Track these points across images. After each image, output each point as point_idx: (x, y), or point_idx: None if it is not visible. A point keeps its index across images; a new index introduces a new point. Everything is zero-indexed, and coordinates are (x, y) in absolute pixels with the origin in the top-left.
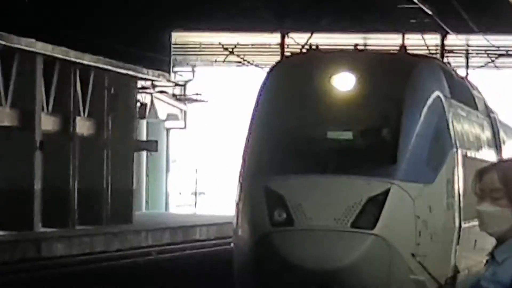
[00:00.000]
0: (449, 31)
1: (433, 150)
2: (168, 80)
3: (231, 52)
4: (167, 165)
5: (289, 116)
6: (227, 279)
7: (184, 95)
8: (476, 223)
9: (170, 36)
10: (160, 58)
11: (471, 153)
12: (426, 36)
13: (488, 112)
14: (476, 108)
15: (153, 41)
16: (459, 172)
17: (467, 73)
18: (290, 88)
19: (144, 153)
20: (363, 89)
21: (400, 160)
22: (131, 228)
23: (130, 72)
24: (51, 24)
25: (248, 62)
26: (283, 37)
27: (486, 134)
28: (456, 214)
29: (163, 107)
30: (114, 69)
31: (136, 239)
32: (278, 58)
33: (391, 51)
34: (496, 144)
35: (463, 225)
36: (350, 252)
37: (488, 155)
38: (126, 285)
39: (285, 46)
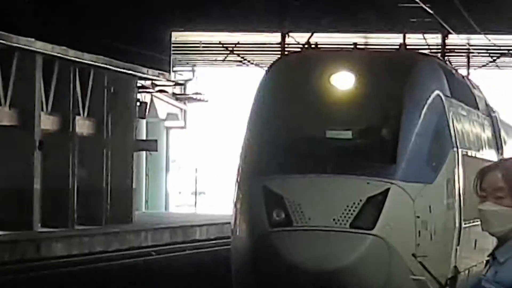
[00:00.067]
0: (450, 30)
1: (433, 149)
2: (168, 80)
3: (231, 52)
4: (167, 165)
5: (287, 116)
6: (227, 279)
7: (184, 94)
8: (476, 223)
9: (170, 35)
10: (160, 57)
11: (471, 153)
12: (427, 35)
13: (489, 111)
14: (477, 107)
15: (153, 40)
16: (460, 172)
17: (468, 73)
18: (289, 87)
19: (144, 152)
20: (363, 88)
21: (400, 159)
22: (131, 228)
23: (130, 71)
24: (50, 23)
25: (248, 61)
26: (283, 37)
27: (487, 133)
28: (457, 214)
29: (163, 107)
30: (113, 68)
31: (135, 239)
32: (278, 57)
33: (391, 50)
34: (497, 143)
35: (464, 225)
36: (349, 252)
37: (489, 154)
38: (126, 285)
39: (286, 46)
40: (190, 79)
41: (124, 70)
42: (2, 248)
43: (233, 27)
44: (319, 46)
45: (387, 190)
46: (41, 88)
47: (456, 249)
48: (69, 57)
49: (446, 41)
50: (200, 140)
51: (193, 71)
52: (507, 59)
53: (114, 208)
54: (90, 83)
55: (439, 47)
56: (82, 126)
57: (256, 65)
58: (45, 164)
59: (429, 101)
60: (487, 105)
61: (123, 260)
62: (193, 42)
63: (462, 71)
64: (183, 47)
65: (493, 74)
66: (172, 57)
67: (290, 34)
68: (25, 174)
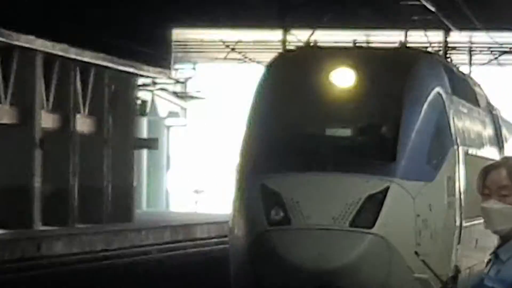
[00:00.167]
0: (452, 28)
1: (434, 147)
2: (169, 78)
3: (232, 49)
4: (168, 163)
5: (286, 113)
6: (228, 277)
7: (185, 92)
8: (477, 221)
9: (171, 33)
10: (160, 55)
11: (472, 151)
12: (429, 33)
13: (490, 109)
14: (478, 105)
15: (154, 38)
16: (460, 170)
17: (470, 70)
18: (288, 84)
19: (145, 150)
20: (362, 86)
21: (400, 157)
22: (132, 227)
23: (131, 69)
24: (51, 20)
25: (249, 59)
26: (284, 34)
27: (488, 131)
28: (457, 213)
29: (163, 105)
30: (114, 66)
31: (136, 237)
32: (277, 54)
33: (391, 47)
34: (498, 141)
35: (464, 224)
36: (349, 251)
37: (490, 152)
38: (126, 283)
39: (287, 43)
40: (191, 77)
41: (125, 68)
42: (2, 246)
43: (234, 25)
44: (319, 43)
45: (387, 188)
46: (41, 86)
47: (457, 248)
48: (69, 55)
49: (448, 38)
50: (201, 138)
51: (194, 69)
52: (509, 56)
53: (115, 207)
54: (91, 81)
55: (441, 44)
56: (83, 124)
57: (258, 62)
58: (45, 163)
59: (429, 98)
60: (488, 102)
61: (123, 259)
62: (194, 40)
63: (464, 69)
64: (184, 45)
65: (495, 72)
66: (173, 55)
67: (291, 31)
68: (25, 173)
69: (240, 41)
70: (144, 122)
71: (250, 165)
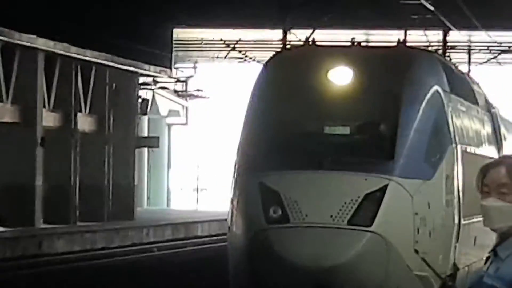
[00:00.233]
0: (451, 27)
1: (432, 145)
2: (170, 76)
3: (233, 48)
4: (169, 161)
5: (285, 111)
6: (228, 275)
7: (186, 91)
8: (476, 219)
9: (171, 32)
10: (161, 54)
11: (471, 149)
12: (428, 32)
13: (488, 107)
14: (477, 103)
15: (155, 37)
16: (459, 168)
17: (469, 69)
18: (286, 83)
19: (146, 149)
20: (361, 84)
21: (398, 155)
22: (133, 225)
23: (132, 68)
24: (52, 19)
25: (250, 58)
26: (285, 33)
27: (487, 129)
28: (456, 211)
29: (164, 103)
30: (115, 65)
31: (137, 235)
32: (275, 53)
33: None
34: (497, 139)
35: (463, 222)
36: (347, 249)
37: (488, 150)
38: (128, 281)
39: (287, 42)
40: (191, 76)
41: (126, 67)
42: (4, 244)
43: (235, 24)
44: (318, 42)
45: (385, 186)
46: (43, 84)
47: (456, 246)
48: (71, 54)
49: (447, 37)
50: (201, 137)
51: (194, 67)
52: (508, 55)
53: (116, 205)
54: (92, 79)
55: (440, 43)
56: (84, 122)
57: (258, 62)
58: (47, 161)
59: (427, 96)
60: (486, 101)
61: (125, 257)
62: (194, 39)
63: (463, 68)
64: (185, 44)
65: (494, 71)
66: (174, 53)
67: (292, 30)
68: (27, 171)
69: (241, 40)
70: (145, 120)
71: (248, 163)
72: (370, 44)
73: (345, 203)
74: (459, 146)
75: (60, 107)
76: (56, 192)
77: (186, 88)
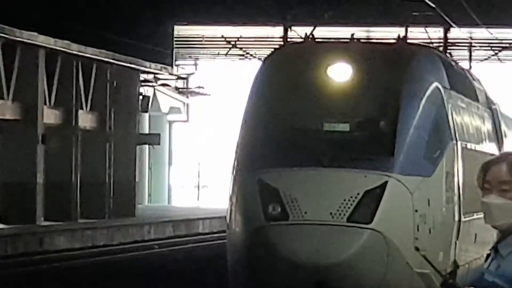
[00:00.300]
0: (452, 24)
1: (432, 142)
2: (171, 73)
3: (234, 45)
4: (170, 158)
5: (284, 108)
6: (228, 272)
7: (187, 88)
8: (476, 216)
9: (172, 29)
10: (162, 51)
11: (471, 146)
12: (429, 29)
13: (489, 103)
14: (477, 100)
15: (156, 34)
16: (459, 164)
17: (470, 66)
18: (285, 79)
19: (147, 146)
20: (360, 80)
21: (398, 152)
22: (134, 222)
23: (133, 65)
24: (53, 17)
25: (251, 55)
26: (285, 30)
27: (487, 126)
28: (456, 208)
29: (165, 100)
30: (116, 62)
31: (138, 232)
32: (274, 49)
33: (389, 42)
34: (497, 136)
35: (463, 219)
36: (347, 247)
37: (489, 147)
38: (129, 278)
39: (288, 39)
40: (192, 73)
41: (127, 64)
42: (5, 241)
43: (236, 21)
44: (318, 39)
45: (385, 183)
46: (44, 82)
47: (456, 243)
48: (71, 51)
49: (448, 34)
50: (202, 134)
51: (195, 65)
52: (509, 52)
53: (117, 202)
54: (93, 77)
55: (441, 40)
56: (85, 120)
57: (259, 59)
58: (47, 158)
59: (427, 93)
60: (487, 97)
61: (126, 254)
62: (195, 36)
63: (464, 65)
64: (186, 41)
65: (495, 68)
66: (175, 51)
67: (292, 27)
68: (28, 168)
69: (241, 37)
70: (146, 117)
71: (248, 160)
72: (371, 41)
73: (344, 200)
74: (459, 143)
75: (61, 104)
76: (57, 189)
77: (187, 85)
